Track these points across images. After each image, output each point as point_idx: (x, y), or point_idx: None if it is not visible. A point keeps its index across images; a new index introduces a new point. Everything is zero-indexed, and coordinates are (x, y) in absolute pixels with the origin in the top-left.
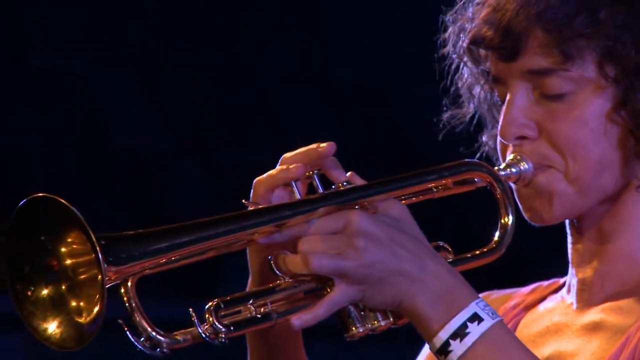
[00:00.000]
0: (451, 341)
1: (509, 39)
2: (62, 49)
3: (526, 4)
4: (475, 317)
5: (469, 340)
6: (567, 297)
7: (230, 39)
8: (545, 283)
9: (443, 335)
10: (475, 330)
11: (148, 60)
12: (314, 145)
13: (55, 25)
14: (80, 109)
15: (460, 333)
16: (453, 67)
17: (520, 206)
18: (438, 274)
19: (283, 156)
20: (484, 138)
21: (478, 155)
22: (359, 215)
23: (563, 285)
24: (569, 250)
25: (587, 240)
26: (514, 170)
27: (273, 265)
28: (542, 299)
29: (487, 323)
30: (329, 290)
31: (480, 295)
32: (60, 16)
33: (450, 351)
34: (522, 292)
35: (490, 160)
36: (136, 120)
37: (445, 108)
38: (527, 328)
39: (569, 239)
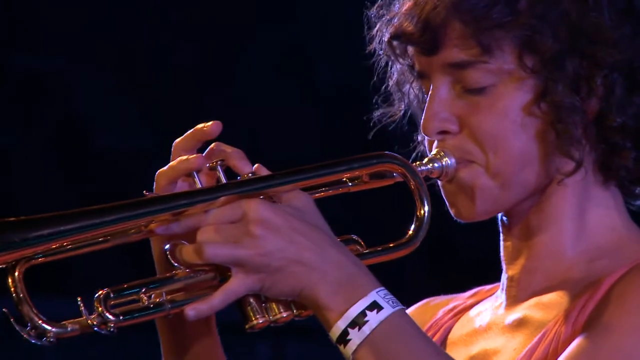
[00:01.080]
0: (349, 330)
1: (428, 32)
2: (40, 49)
3: None
4: (375, 306)
5: (367, 329)
6: (499, 296)
7: (210, 38)
8: (487, 287)
9: (341, 324)
10: (373, 319)
11: (127, 59)
12: (199, 126)
13: (33, 26)
14: (59, 108)
15: (358, 322)
16: (382, 64)
17: (447, 203)
18: (339, 263)
19: (174, 142)
20: (419, 137)
21: (414, 155)
22: (258, 203)
23: (495, 288)
24: (501, 248)
25: (514, 237)
26: (436, 165)
27: (169, 255)
28: (480, 302)
29: (387, 311)
30: (226, 280)
31: (421, 302)
32: (38, 16)
33: (349, 340)
34: (463, 296)
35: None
36: (115, 120)
37: (376, 106)
38: (460, 329)
39: (501, 236)
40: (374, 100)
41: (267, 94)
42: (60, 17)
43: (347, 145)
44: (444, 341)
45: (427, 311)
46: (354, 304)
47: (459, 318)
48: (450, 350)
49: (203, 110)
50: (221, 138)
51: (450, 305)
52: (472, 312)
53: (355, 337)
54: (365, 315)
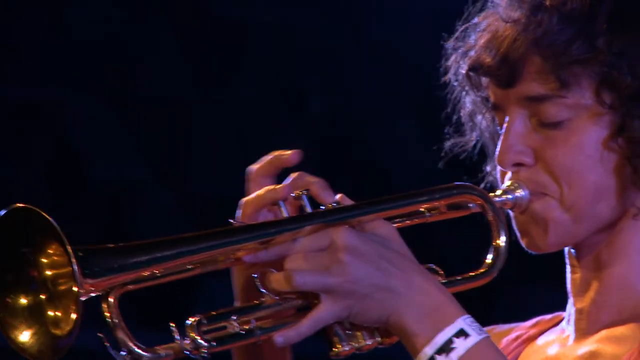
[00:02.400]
0: (437, 356)
1: (506, 65)
2: (35, 79)
3: (524, 30)
4: (462, 333)
5: (454, 356)
6: (566, 328)
7: (204, 70)
8: (548, 317)
9: (429, 350)
10: (461, 346)
11: (122, 91)
12: (277, 153)
13: (28, 56)
14: (53, 139)
15: (446, 348)
16: (455, 94)
17: (517, 234)
18: (425, 290)
19: (248, 169)
20: (488, 168)
21: (482, 185)
22: (345, 231)
23: (558, 317)
24: (568, 280)
25: (584, 270)
26: (509, 196)
27: (258, 282)
28: (543, 332)
29: (474, 339)
30: (315, 307)
31: (488, 327)
32: (33, 47)
33: None
34: (524, 326)
35: (494, 190)
36: (110, 151)
37: (447, 136)
38: (528, 358)
39: (567, 268)
40: (445, 130)
41: (261, 123)
42: (55, 48)
43: (342, 176)
44: None
45: (493, 336)
46: (441, 330)
47: (524, 347)
48: None
49: (197, 142)
50: (212, 166)
51: (513, 335)
52: (539, 341)
53: None
54: (453, 342)
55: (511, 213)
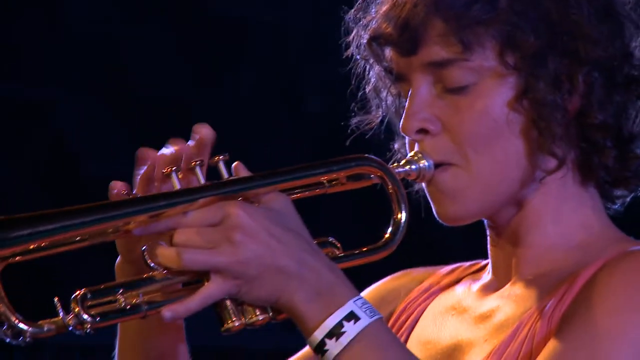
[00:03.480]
0: (327, 340)
1: (407, 32)
2: (30, 78)
3: None
4: (352, 316)
5: (344, 340)
6: (474, 284)
7: (200, 67)
8: (466, 264)
9: (319, 334)
10: (351, 330)
11: (117, 89)
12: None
13: (23, 55)
14: (50, 137)
15: (335, 332)
16: (359, 70)
17: (432, 206)
18: (317, 270)
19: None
20: (396, 145)
21: (390, 162)
22: (238, 207)
23: (483, 267)
24: (488, 246)
25: (501, 244)
26: (413, 167)
27: (147, 256)
28: (457, 281)
29: (364, 322)
30: (205, 282)
31: (401, 272)
32: (28, 46)
33: (326, 350)
34: (440, 273)
35: (398, 162)
36: (105, 148)
37: (353, 113)
38: (434, 312)
39: (488, 234)
40: (351, 107)
41: (255, 120)
42: (52, 47)
43: None
44: (416, 322)
45: (406, 284)
46: (331, 314)
47: (432, 299)
48: (422, 333)
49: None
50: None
51: (425, 284)
52: (447, 295)
53: (333, 347)
54: (343, 326)
55: (424, 185)
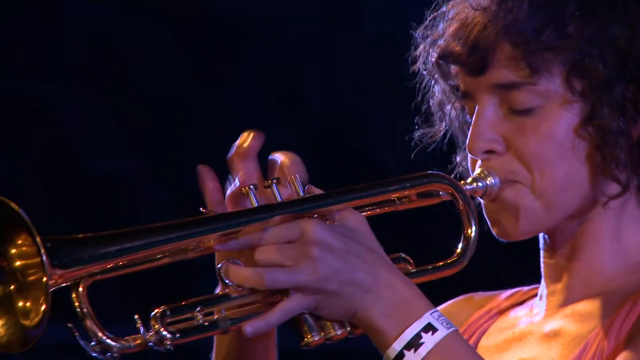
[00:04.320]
0: (405, 352)
1: (476, 53)
2: (30, 74)
3: (494, 18)
4: (430, 328)
5: (423, 351)
6: (536, 306)
7: (199, 63)
8: (525, 288)
9: (397, 346)
10: (429, 341)
11: (117, 85)
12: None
13: (23, 51)
14: (48, 134)
15: (414, 343)
16: (424, 84)
17: (488, 222)
18: (392, 285)
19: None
20: (458, 158)
21: (452, 175)
22: (315, 224)
23: (532, 291)
24: (542, 264)
25: (557, 256)
26: (480, 184)
27: (223, 275)
28: (518, 304)
29: (441, 333)
30: (283, 298)
31: (463, 296)
32: (28, 41)
33: None
34: (500, 298)
35: (464, 180)
36: (105, 145)
37: (416, 126)
38: (495, 334)
39: (542, 253)
40: (415, 120)
41: (256, 119)
42: (50, 43)
43: (339, 172)
44: (477, 343)
45: (467, 308)
46: (409, 326)
47: (494, 321)
48: (484, 354)
49: (191, 134)
50: (209, 163)
51: (486, 308)
52: (509, 317)
53: (412, 358)
54: (421, 337)
55: (482, 201)
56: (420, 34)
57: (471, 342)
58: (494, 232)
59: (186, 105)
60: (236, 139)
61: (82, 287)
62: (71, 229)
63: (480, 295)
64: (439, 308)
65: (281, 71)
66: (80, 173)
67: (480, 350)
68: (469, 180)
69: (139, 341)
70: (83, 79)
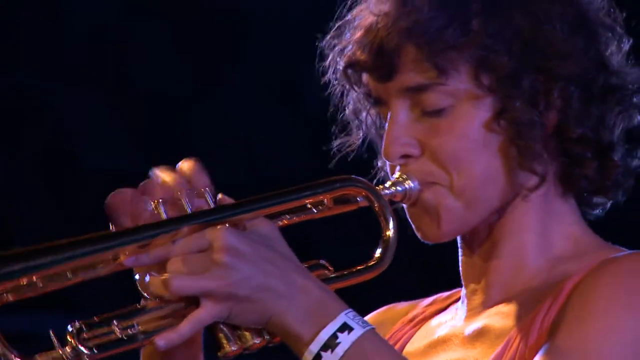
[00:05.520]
0: (322, 353)
1: (382, 58)
2: (28, 69)
3: (396, 22)
4: (345, 327)
5: (340, 350)
6: (458, 308)
7: (197, 59)
8: (445, 294)
9: (314, 348)
10: (345, 340)
11: (115, 80)
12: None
13: (21, 45)
14: (46, 129)
15: (330, 344)
16: (337, 93)
17: (412, 226)
18: (306, 289)
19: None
20: (379, 163)
21: (374, 181)
22: (224, 231)
23: (455, 295)
24: (460, 263)
25: (474, 253)
26: (399, 188)
27: (138, 286)
28: (440, 310)
29: (358, 332)
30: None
31: (385, 307)
32: (26, 36)
33: None
34: (422, 305)
35: (383, 184)
36: (103, 140)
37: (334, 136)
38: (419, 341)
39: (460, 251)
40: (332, 130)
41: (253, 115)
42: (48, 38)
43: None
44: (402, 350)
45: (390, 318)
46: (324, 327)
47: (418, 329)
48: None
49: (190, 131)
50: (208, 161)
51: (409, 316)
52: (432, 323)
53: (329, 359)
54: (337, 337)
55: (405, 206)
56: (328, 44)
57: (396, 347)
58: (418, 235)
59: (185, 102)
60: (235, 137)
61: None
62: (69, 225)
63: (401, 305)
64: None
65: (280, 69)
66: (79, 170)
67: (408, 354)
68: (387, 184)
69: (52, 358)
70: (83, 76)
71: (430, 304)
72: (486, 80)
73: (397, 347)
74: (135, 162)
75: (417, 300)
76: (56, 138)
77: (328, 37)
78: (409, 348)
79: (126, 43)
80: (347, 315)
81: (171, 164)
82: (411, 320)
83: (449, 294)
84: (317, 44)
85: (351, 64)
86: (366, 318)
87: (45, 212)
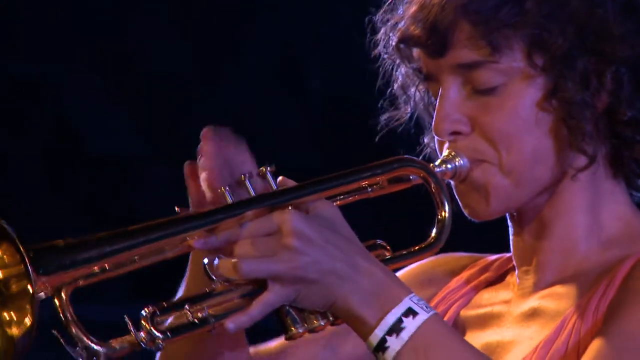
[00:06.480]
0: (387, 337)
1: (436, 34)
2: (31, 55)
3: None
4: (410, 312)
5: (405, 335)
6: (510, 285)
7: (201, 44)
8: (502, 258)
9: (379, 332)
10: (410, 325)
11: (119, 65)
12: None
13: (24, 32)
14: (50, 115)
15: (396, 328)
16: (387, 68)
17: (459, 203)
18: (370, 273)
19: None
20: (426, 139)
21: (421, 157)
22: (291, 215)
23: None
24: (511, 243)
25: (526, 233)
26: (449, 166)
27: (208, 269)
28: (495, 280)
29: (422, 316)
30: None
31: (442, 255)
32: (29, 22)
33: (387, 347)
34: (480, 265)
35: (432, 162)
36: (108, 126)
37: (382, 110)
38: (473, 309)
39: (510, 230)
40: (379, 104)
41: (258, 99)
42: (51, 23)
43: (342, 156)
44: (457, 316)
45: (447, 270)
46: (389, 311)
47: (472, 295)
48: (463, 329)
49: (194, 117)
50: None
51: (465, 275)
52: (486, 294)
53: (394, 344)
54: (402, 321)
55: (452, 183)
56: (380, 18)
57: (450, 312)
58: (465, 212)
59: (189, 85)
60: (239, 120)
61: (65, 294)
62: (72, 210)
63: (460, 259)
64: (418, 264)
65: (283, 51)
66: (83, 153)
67: (459, 324)
68: (437, 162)
69: (128, 343)
70: (86, 60)
71: (488, 267)
72: (539, 59)
73: (451, 311)
74: (138, 145)
75: (475, 256)
76: (59, 122)
77: (381, 11)
78: (463, 317)
79: (128, 25)
80: (411, 300)
81: (175, 146)
82: (466, 282)
83: (502, 261)
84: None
85: (404, 39)
86: (420, 263)
87: (48, 198)
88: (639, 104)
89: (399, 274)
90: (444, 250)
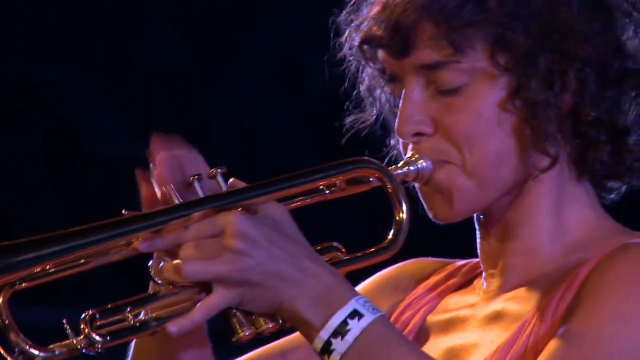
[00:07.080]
0: (332, 340)
1: (398, 35)
2: (30, 56)
3: None
4: (356, 314)
5: (350, 337)
6: (476, 290)
7: (201, 45)
8: (469, 264)
9: (324, 334)
10: (355, 327)
11: (118, 67)
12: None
13: (24, 33)
14: (50, 116)
15: (340, 331)
16: (352, 69)
17: (424, 206)
18: (316, 275)
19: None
20: (392, 141)
21: (387, 159)
22: (236, 216)
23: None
24: (478, 247)
25: (492, 236)
26: (411, 168)
27: (151, 272)
28: (462, 284)
29: (368, 318)
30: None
31: (409, 261)
32: (29, 24)
33: (333, 350)
34: (447, 270)
35: (396, 163)
36: (107, 127)
37: (347, 112)
38: (439, 314)
39: (477, 234)
40: (345, 107)
41: (258, 99)
42: (51, 23)
43: (341, 150)
44: (423, 321)
45: (414, 276)
46: (334, 313)
47: (439, 300)
48: (428, 334)
49: (194, 118)
50: (211, 144)
51: (432, 281)
52: (452, 298)
53: (339, 346)
54: (347, 324)
55: (416, 185)
56: (344, 19)
57: (416, 318)
58: (430, 215)
59: (189, 85)
60: (239, 120)
61: (2, 297)
62: (72, 211)
63: (427, 264)
64: (385, 270)
65: (283, 51)
66: (82, 154)
67: (424, 329)
68: (400, 164)
69: (67, 347)
70: (85, 61)
71: (455, 273)
72: (502, 59)
73: (419, 315)
74: (138, 148)
75: (442, 261)
76: (58, 123)
77: (344, 12)
78: (430, 320)
79: (128, 26)
80: (357, 302)
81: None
82: (433, 288)
83: (471, 266)
84: (332, 19)
85: (367, 40)
86: (392, 267)
87: (47, 199)
88: (603, 105)
89: (365, 282)
90: (419, 254)
